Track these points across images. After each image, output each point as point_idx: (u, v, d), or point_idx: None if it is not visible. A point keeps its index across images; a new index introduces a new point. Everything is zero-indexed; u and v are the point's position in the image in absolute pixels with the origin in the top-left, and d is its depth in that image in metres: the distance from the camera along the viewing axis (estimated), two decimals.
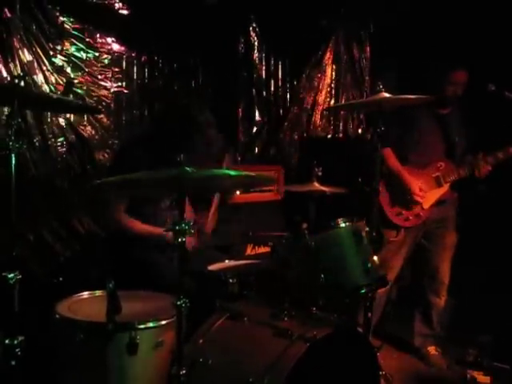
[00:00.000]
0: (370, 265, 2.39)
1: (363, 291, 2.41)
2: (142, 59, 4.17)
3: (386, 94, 2.67)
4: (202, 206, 3.37)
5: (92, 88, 3.90)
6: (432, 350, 3.64)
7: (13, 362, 1.89)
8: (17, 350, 1.90)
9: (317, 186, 2.98)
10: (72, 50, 3.78)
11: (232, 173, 1.80)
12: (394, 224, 3.45)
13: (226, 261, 2.89)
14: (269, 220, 4.34)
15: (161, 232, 2.45)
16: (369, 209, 2.75)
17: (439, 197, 3.48)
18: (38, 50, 3.60)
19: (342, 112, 5.46)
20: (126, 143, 3.42)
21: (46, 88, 3.64)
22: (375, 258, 2.48)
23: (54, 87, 3.67)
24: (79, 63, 3.82)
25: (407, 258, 3.58)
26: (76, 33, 3.78)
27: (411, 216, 3.45)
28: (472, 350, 3.57)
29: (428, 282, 3.62)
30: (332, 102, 5.37)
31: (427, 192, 3.44)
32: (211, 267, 2.74)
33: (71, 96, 3.66)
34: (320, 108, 5.31)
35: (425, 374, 3.43)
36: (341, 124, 5.45)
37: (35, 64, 3.58)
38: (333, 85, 5.39)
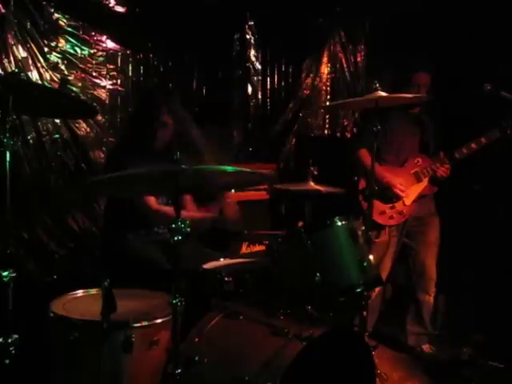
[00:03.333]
0: (366, 264, 2.38)
1: (359, 290, 2.41)
2: (137, 57, 4.16)
3: (382, 93, 2.69)
4: (205, 201, 3.36)
5: (87, 85, 3.89)
6: (426, 348, 3.66)
7: (7, 361, 1.88)
8: (11, 348, 1.89)
9: (312, 185, 2.98)
10: (67, 46, 3.77)
11: (229, 169, 1.79)
12: (378, 224, 3.46)
13: (222, 259, 2.88)
14: (262, 219, 4.33)
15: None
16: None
17: (420, 192, 3.53)
18: (33, 47, 3.59)
19: (338, 111, 5.45)
20: (118, 141, 3.42)
21: None
22: (371, 256, 2.48)
23: (49, 84, 3.65)
24: (74, 60, 3.80)
25: (395, 257, 3.61)
26: (71, 29, 3.77)
27: (395, 214, 3.48)
28: (466, 349, 3.57)
29: (417, 280, 3.65)
30: (328, 100, 5.37)
31: (408, 188, 3.47)
32: (206, 266, 2.74)
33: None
34: (316, 107, 5.31)
35: (419, 373, 3.43)
36: (337, 123, 5.45)
37: (30, 60, 3.56)
38: (328, 83, 5.39)
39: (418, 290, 3.64)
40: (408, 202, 3.49)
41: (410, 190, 3.48)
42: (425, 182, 3.53)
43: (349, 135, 5.41)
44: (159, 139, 2.98)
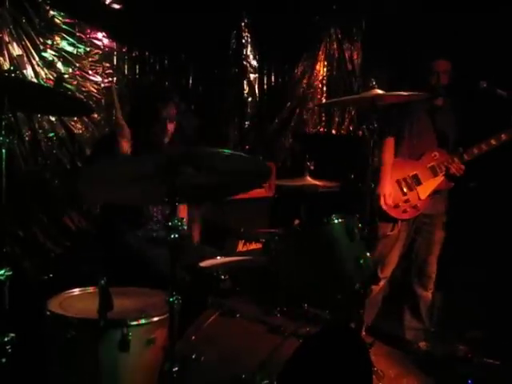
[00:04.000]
0: (362, 261, 2.38)
1: (356, 287, 2.41)
2: (133, 55, 4.14)
3: (379, 91, 2.69)
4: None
5: (82, 83, 3.87)
6: (423, 345, 3.67)
7: (3, 360, 1.88)
8: (7, 347, 1.88)
9: (309, 180, 2.97)
10: (62, 44, 3.75)
11: (226, 151, 1.78)
12: (391, 217, 3.46)
13: (218, 257, 2.88)
14: (259, 217, 4.33)
15: None
16: (362, 205, 2.76)
17: (436, 186, 3.51)
18: (28, 44, 3.57)
19: (334, 108, 5.46)
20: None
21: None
22: (368, 254, 2.48)
23: (44, 82, 3.64)
24: (69, 58, 3.79)
25: (402, 252, 3.62)
26: (66, 27, 3.75)
27: (408, 208, 3.48)
28: (462, 346, 3.58)
29: (416, 275, 3.66)
30: (324, 98, 5.37)
31: (423, 182, 3.48)
32: (203, 264, 2.73)
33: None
34: (312, 104, 5.31)
35: (415, 370, 3.44)
36: (333, 120, 5.45)
37: (25, 58, 3.54)
38: (325, 81, 5.39)
39: (417, 286, 3.65)
40: (423, 196, 3.47)
41: (425, 184, 3.47)
42: (441, 177, 3.50)
43: (344, 133, 5.42)
44: (165, 133, 2.98)
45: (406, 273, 3.75)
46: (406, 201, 3.46)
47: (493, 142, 3.41)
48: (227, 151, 1.80)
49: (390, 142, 3.48)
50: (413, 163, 3.50)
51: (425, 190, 3.47)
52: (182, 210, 3.12)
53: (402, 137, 3.50)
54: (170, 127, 3.00)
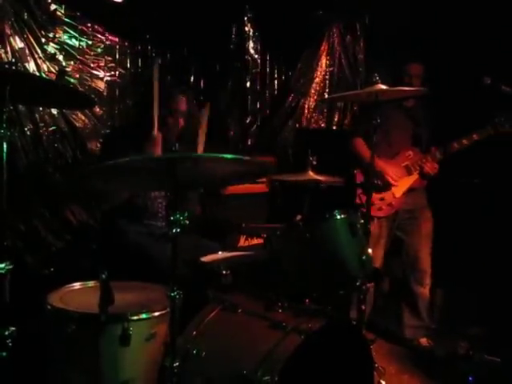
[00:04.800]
0: (365, 257, 2.38)
1: (358, 283, 2.41)
2: (135, 48, 4.13)
3: (382, 86, 2.67)
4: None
5: (85, 77, 3.86)
6: (424, 341, 3.67)
7: (4, 354, 1.87)
8: (8, 341, 1.88)
9: (312, 174, 2.95)
10: (64, 37, 3.74)
11: (228, 157, 1.77)
12: None
13: (219, 252, 2.87)
14: (260, 212, 4.33)
15: None
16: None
17: (410, 185, 3.55)
18: (30, 37, 3.56)
19: (336, 104, 5.44)
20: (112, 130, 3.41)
21: None
22: (370, 250, 2.47)
23: (46, 75, 3.62)
24: (72, 51, 3.78)
25: (387, 249, 3.62)
26: (68, 20, 3.75)
27: (384, 205, 3.50)
28: (463, 343, 3.57)
29: (410, 273, 3.65)
30: (326, 93, 5.35)
31: (398, 181, 3.50)
32: (204, 259, 2.72)
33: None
34: (314, 99, 5.29)
35: (416, 366, 3.43)
36: (335, 116, 5.43)
37: (27, 51, 3.53)
38: (327, 76, 5.37)
39: (413, 283, 3.65)
40: (398, 194, 3.51)
41: (400, 183, 3.50)
42: (415, 176, 3.55)
43: (346, 128, 5.40)
44: (177, 128, 2.98)
45: (403, 270, 3.74)
46: (381, 199, 3.50)
47: (464, 141, 3.44)
48: (229, 156, 1.78)
49: (359, 141, 3.56)
50: (387, 162, 3.52)
51: (399, 188, 3.51)
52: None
53: (375, 137, 3.49)
54: (182, 122, 3.01)
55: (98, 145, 3.89)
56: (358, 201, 3.42)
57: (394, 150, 3.57)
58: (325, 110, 5.40)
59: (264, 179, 4.30)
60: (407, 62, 3.52)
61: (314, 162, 2.95)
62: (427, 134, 3.64)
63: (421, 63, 3.53)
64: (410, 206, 3.58)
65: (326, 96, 5.33)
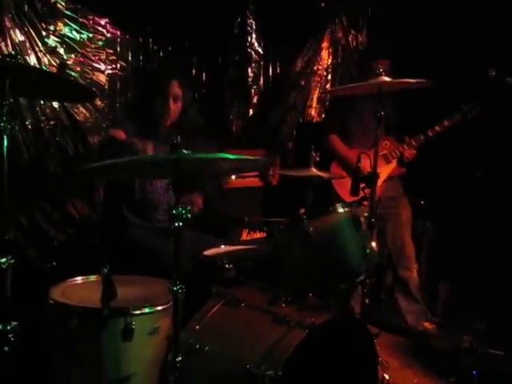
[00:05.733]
0: (368, 251, 2.36)
1: (362, 277, 2.39)
2: (137, 41, 4.10)
3: (386, 78, 2.65)
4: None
5: (86, 70, 3.84)
6: (428, 325, 3.76)
7: (6, 348, 1.86)
8: (10, 335, 1.87)
9: (314, 171, 2.94)
10: (65, 30, 3.71)
11: (230, 156, 1.75)
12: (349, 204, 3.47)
13: (222, 246, 2.86)
14: (264, 206, 4.31)
15: None
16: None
17: (389, 173, 3.67)
18: (31, 30, 3.52)
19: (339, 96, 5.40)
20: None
21: None
22: (373, 244, 2.46)
23: (47, 69, 3.60)
24: (73, 44, 3.74)
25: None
26: (69, 13, 3.70)
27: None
28: (467, 337, 3.56)
29: (398, 260, 3.76)
30: (329, 86, 5.33)
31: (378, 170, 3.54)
32: (207, 252, 2.71)
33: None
34: (316, 92, 5.26)
35: (420, 360, 3.42)
36: None
37: (27, 44, 3.50)
38: (329, 69, 5.34)
39: (400, 268, 3.75)
40: (379, 182, 3.52)
41: (379, 171, 3.54)
42: (393, 164, 3.69)
43: None
44: (169, 114, 2.97)
45: (389, 260, 3.83)
46: (363, 188, 3.50)
47: (437, 128, 3.63)
48: (231, 157, 1.76)
49: (334, 138, 3.71)
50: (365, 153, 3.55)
51: (379, 176, 3.55)
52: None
53: (350, 129, 3.73)
54: (173, 107, 2.99)
55: (100, 138, 3.87)
56: (362, 194, 3.42)
57: (369, 141, 3.52)
58: (327, 103, 5.38)
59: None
60: (374, 59, 3.64)
61: (317, 158, 2.94)
62: (395, 122, 3.77)
63: (387, 58, 3.65)
64: (390, 193, 3.70)
65: (328, 88, 5.30)
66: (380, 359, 2.63)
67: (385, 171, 3.62)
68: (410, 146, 3.67)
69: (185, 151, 1.72)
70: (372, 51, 3.81)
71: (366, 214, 2.51)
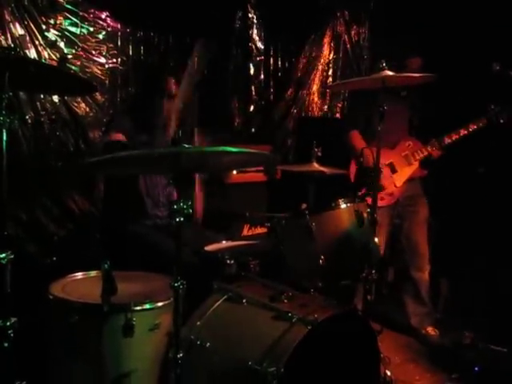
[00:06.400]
0: (371, 246, 2.34)
1: (364, 273, 2.38)
2: (138, 35, 4.07)
3: (390, 72, 2.63)
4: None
5: (86, 64, 3.81)
6: (430, 330, 3.68)
7: (5, 344, 1.85)
8: (9, 331, 1.86)
9: (316, 166, 2.92)
10: (65, 24, 3.68)
11: (232, 150, 1.73)
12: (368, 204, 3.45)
13: (223, 241, 2.84)
14: (265, 201, 4.30)
15: None
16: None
17: (410, 174, 3.58)
18: (31, 24, 3.50)
19: (339, 92, 5.39)
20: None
21: None
22: (376, 239, 2.44)
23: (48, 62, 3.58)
24: (73, 38, 3.72)
25: (387, 238, 3.64)
26: (70, 6, 3.68)
27: (385, 195, 3.52)
28: (468, 333, 3.56)
29: (410, 259, 3.69)
30: (330, 81, 5.31)
31: (399, 171, 3.55)
32: (208, 248, 2.69)
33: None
34: (318, 87, 5.24)
35: (421, 356, 3.41)
36: (339, 104, 5.39)
37: (27, 38, 3.48)
38: (331, 64, 5.32)
39: (412, 269, 3.68)
40: (399, 183, 3.54)
41: (400, 172, 3.55)
42: (415, 165, 3.59)
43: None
44: (165, 112, 2.95)
45: (402, 260, 3.77)
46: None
47: (462, 132, 3.52)
48: (234, 150, 1.74)
49: (355, 134, 3.61)
50: (387, 152, 3.51)
51: (400, 177, 3.55)
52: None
53: (373, 127, 3.48)
54: (168, 105, 2.96)
55: (100, 133, 3.84)
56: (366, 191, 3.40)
57: (392, 140, 3.56)
58: (328, 99, 5.36)
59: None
60: (408, 56, 3.53)
61: (319, 154, 2.93)
62: (418, 122, 3.70)
63: (419, 56, 3.55)
64: (410, 192, 3.62)
65: (330, 83, 5.28)
66: (382, 355, 2.62)
67: (406, 172, 3.57)
68: (435, 148, 3.56)
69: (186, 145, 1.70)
70: (403, 48, 3.64)
71: (368, 210, 2.49)
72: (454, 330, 3.68)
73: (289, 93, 5.12)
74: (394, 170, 3.56)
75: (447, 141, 3.54)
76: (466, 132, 3.52)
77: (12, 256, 1.86)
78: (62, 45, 3.68)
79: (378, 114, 2.76)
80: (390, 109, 3.46)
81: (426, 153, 3.57)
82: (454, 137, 3.54)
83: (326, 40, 5.27)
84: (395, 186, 3.53)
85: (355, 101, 3.89)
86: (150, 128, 2.95)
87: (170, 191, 3.00)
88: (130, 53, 4.05)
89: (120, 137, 2.85)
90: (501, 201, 4.15)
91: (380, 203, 3.46)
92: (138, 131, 2.90)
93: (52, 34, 3.63)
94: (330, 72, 5.33)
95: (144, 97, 3.04)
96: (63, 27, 3.67)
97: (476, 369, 3.13)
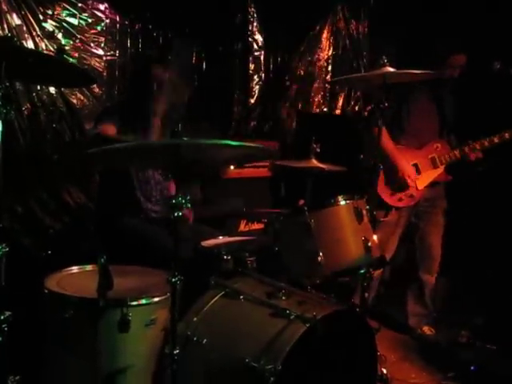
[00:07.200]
0: (370, 244, 2.33)
1: (363, 271, 2.36)
2: (136, 27, 4.04)
3: (390, 68, 2.61)
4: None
5: (84, 56, 3.79)
6: (426, 330, 3.67)
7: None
8: (3, 325, 1.84)
9: (315, 162, 2.90)
10: (63, 15, 3.65)
11: (232, 143, 1.70)
12: (386, 204, 3.41)
13: (220, 237, 2.82)
14: (262, 196, 4.28)
15: None
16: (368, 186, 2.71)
17: (434, 178, 3.47)
18: (28, 14, 3.47)
19: (337, 88, 5.37)
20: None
21: None
22: (375, 237, 2.43)
23: None
24: (71, 29, 3.69)
25: (401, 238, 3.57)
26: None
27: (404, 197, 3.43)
28: (464, 332, 3.56)
29: (421, 260, 3.62)
30: (329, 76, 5.29)
31: (422, 173, 3.44)
32: (205, 243, 2.67)
33: None
34: (317, 83, 5.23)
35: (417, 354, 3.40)
36: (338, 100, 5.37)
37: (24, 28, 3.45)
38: (330, 60, 5.30)
39: (421, 270, 3.62)
40: (421, 186, 3.43)
41: (424, 175, 3.43)
42: (440, 169, 3.47)
43: (351, 113, 5.34)
44: (157, 101, 2.90)
45: (410, 259, 3.71)
46: (402, 190, 3.41)
47: (495, 139, 3.40)
48: (234, 143, 1.71)
49: (382, 132, 3.37)
50: (413, 152, 3.44)
51: (423, 180, 3.44)
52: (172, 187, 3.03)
53: (402, 123, 3.44)
54: (158, 94, 2.91)
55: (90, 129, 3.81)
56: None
57: (421, 140, 3.46)
58: (327, 94, 5.34)
59: (265, 163, 4.25)
60: (451, 52, 3.37)
61: (318, 150, 2.90)
62: (451, 124, 3.55)
63: (463, 53, 3.39)
64: (430, 194, 3.51)
65: (329, 79, 5.26)
66: (378, 353, 2.61)
67: (429, 175, 3.45)
68: (461, 153, 3.43)
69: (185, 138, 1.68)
70: (447, 44, 3.46)
71: (367, 207, 2.47)
72: (450, 328, 3.68)
73: (287, 88, 5.09)
74: (417, 172, 3.44)
75: (478, 147, 3.41)
76: (498, 140, 3.40)
77: (7, 249, 1.84)
78: (59, 36, 3.66)
79: (378, 111, 2.71)
80: (422, 108, 3.42)
81: (453, 157, 3.44)
82: (486, 144, 3.41)
83: (326, 35, 5.25)
84: (417, 188, 3.41)
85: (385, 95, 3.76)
86: (143, 119, 2.91)
87: (163, 187, 2.97)
88: (129, 45, 4.02)
89: (111, 128, 2.81)
90: (499, 200, 4.15)
91: (398, 204, 3.42)
92: (129, 123, 2.86)
93: (49, 25, 3.61)
94: (330, 67, 5.32)
95: (137, 90, 2.98)
96: (61, 18, 3.65)
97: (472, 368, 3.13)
